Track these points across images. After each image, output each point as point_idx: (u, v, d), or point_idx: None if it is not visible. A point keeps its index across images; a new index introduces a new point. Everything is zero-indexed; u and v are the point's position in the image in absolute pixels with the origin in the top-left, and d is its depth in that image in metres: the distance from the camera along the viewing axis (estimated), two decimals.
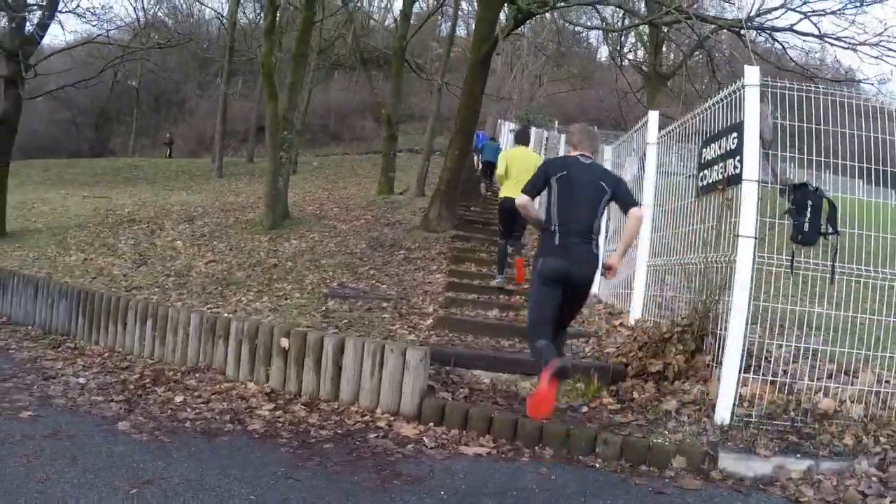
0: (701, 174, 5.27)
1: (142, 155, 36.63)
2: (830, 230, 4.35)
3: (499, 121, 29.68)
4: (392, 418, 4.93)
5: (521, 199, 4.58)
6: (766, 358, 4.62)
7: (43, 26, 16.72)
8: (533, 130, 16.73)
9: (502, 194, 8.52)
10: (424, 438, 4.60)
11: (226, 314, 7.20)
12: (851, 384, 4.58)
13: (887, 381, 4.75)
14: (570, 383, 5.21)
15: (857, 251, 4.43)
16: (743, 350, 4.32)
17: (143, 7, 37.48)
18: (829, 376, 4.63)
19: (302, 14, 16.03)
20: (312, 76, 28.88)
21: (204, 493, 3.42)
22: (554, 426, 4.53)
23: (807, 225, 4.33)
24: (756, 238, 4.30)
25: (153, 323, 6.54)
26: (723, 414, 4.38)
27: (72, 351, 7.44)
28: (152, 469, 3.75)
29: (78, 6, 18.27)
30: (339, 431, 4.69)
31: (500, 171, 8.47)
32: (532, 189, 4.62)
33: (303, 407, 5.16)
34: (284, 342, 5.49)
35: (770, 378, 4.51)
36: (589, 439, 4.36)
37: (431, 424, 4.81)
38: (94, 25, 16.96)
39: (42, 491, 3.33)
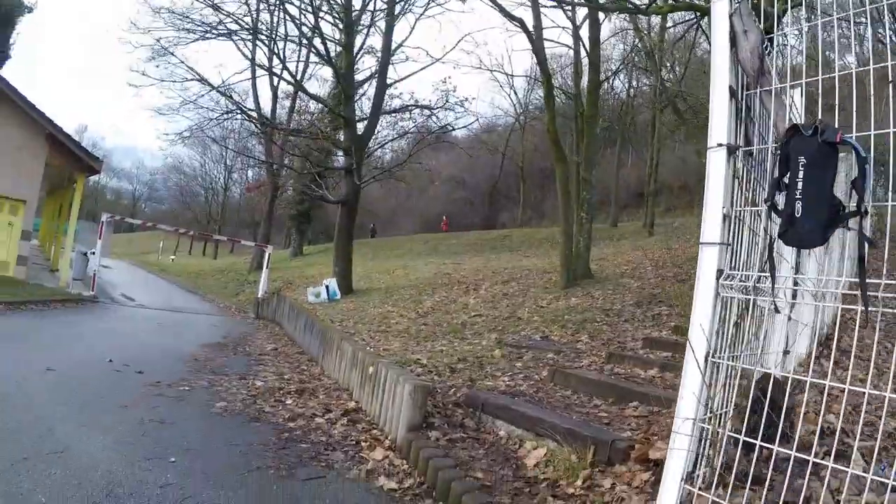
0: None
1: (529, 226, 39.30)
2: (851, 209, 2.26)
3: None
4: (389, 444, 4.59)
5: None
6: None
7: (370, 128, 20.53)
8: None
9: None
10: (376, 469, 4.11)
11: (401, 355, 7.49)
12: None
13: None
14: (565, 453, 3.77)
15: None
16: (692, 442, 2.52)
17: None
18: None
19: (589, 75, 15.87)
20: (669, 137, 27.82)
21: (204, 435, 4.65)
22: None
23: (799, 206, 2.34)
24: (722, 245, 2.53)
25: (339, 354, 7.18)
26: None
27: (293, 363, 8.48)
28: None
29: (407, 109, 21.69)
30: (324, 439, 4.71)
31: None
32: None
33: (344, 417, 5.32)
34: (371, 370, 5.63)
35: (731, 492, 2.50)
36: None
37: (395, 457, 4.33)
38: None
39: None
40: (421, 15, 21.28)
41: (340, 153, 21.80)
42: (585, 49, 16.89)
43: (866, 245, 2.22)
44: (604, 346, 8.03)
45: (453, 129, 22.57)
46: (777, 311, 2.42)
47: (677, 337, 8.26)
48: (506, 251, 27.79)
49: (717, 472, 2.49)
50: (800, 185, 2.35)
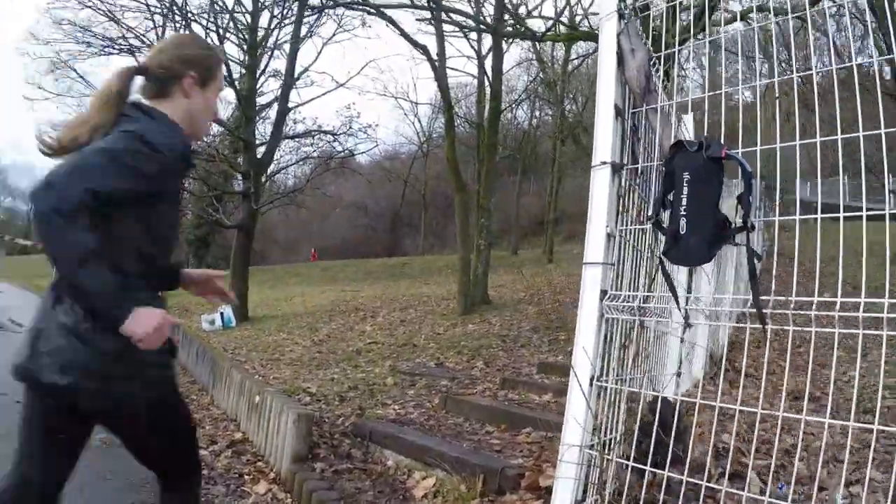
0: None
1: (431, 254, 39.37)
2: (737, 223, 2.25)
3: None
4: (273, 476, 4.30)
5: None
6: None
7: (270, 152, 20.14)
8: None
9: None
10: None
11: (291, 383, 7.14)
12: None
13: None
14: (454, 482, 3.60)
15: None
16: (579, 470, 2.39)
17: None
18: None
19: (490, 104, 16.16)
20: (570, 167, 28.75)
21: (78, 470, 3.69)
22: None
23: (683, 223, 2.32)
24: (606, 265, 2.46)
25: (229, 382, 6.72)
26: None
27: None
28: None
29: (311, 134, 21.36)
30: (206, 473, 4.24)
31: None
32: None
33: (230, 449, 4.96)
34: (257, 398, 5.28)
35: None
36: None
37: (278, 490, 4.05)
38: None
39: None
40: (328, 41, 21.10)
41: (240, 177, 21.16)
42: (489, 79, 17.18)
43: (756, 260, 2.18)
44: (499, 372, 7.99)
45: (353, 154, 22.38)
46: (689, 325, 2.35)
47: (566, 361, 8.35)
48: (406, 278, 27.66)
49: (606, 500, 2.39)
50: (684, 201, 2.30)
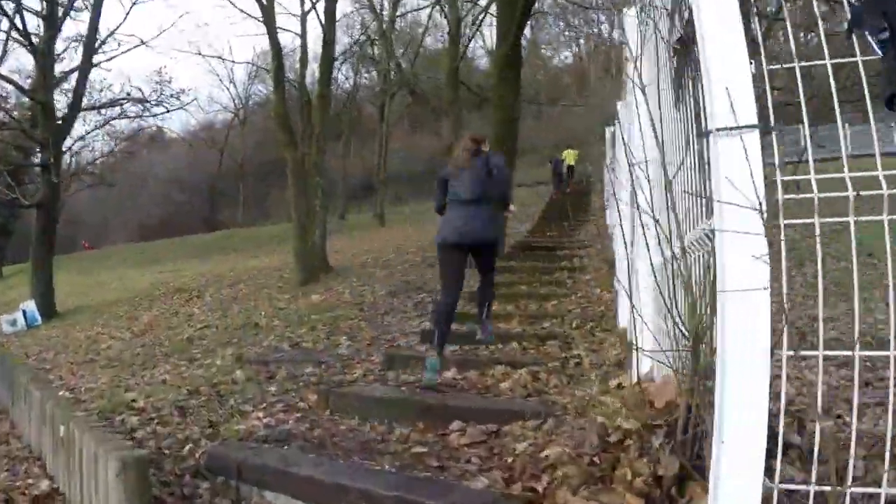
0: None
1: (252, 224, 36.98)
2: None
3: None
4: None
5: None
6: None
7: (70, 117, 17.57)
8: None
9: None
10: None
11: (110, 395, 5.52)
12: None
13: None
14: None
15: None
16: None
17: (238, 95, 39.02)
18: None
19: (322, 52, 14.72)
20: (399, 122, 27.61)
21: None
22: None
23: None
24: (765, 128, 1.24)
25: (28, 402, 4.93)
26: None
27: None
28: None
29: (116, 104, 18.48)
30: None
31: None
32: None
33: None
34: (62, 430, 3.71)
35: None
36: None
37: None
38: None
39: None
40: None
41: (38, 149, 18.02)
42: (323, 25, 15.42)
43: None
44: (370, 348, 6.75)
45: (170, 110, 19.91)
46: None
47: (457, 325, 7.21)
48: (230, 252, 25.43)
49: None
50: None
